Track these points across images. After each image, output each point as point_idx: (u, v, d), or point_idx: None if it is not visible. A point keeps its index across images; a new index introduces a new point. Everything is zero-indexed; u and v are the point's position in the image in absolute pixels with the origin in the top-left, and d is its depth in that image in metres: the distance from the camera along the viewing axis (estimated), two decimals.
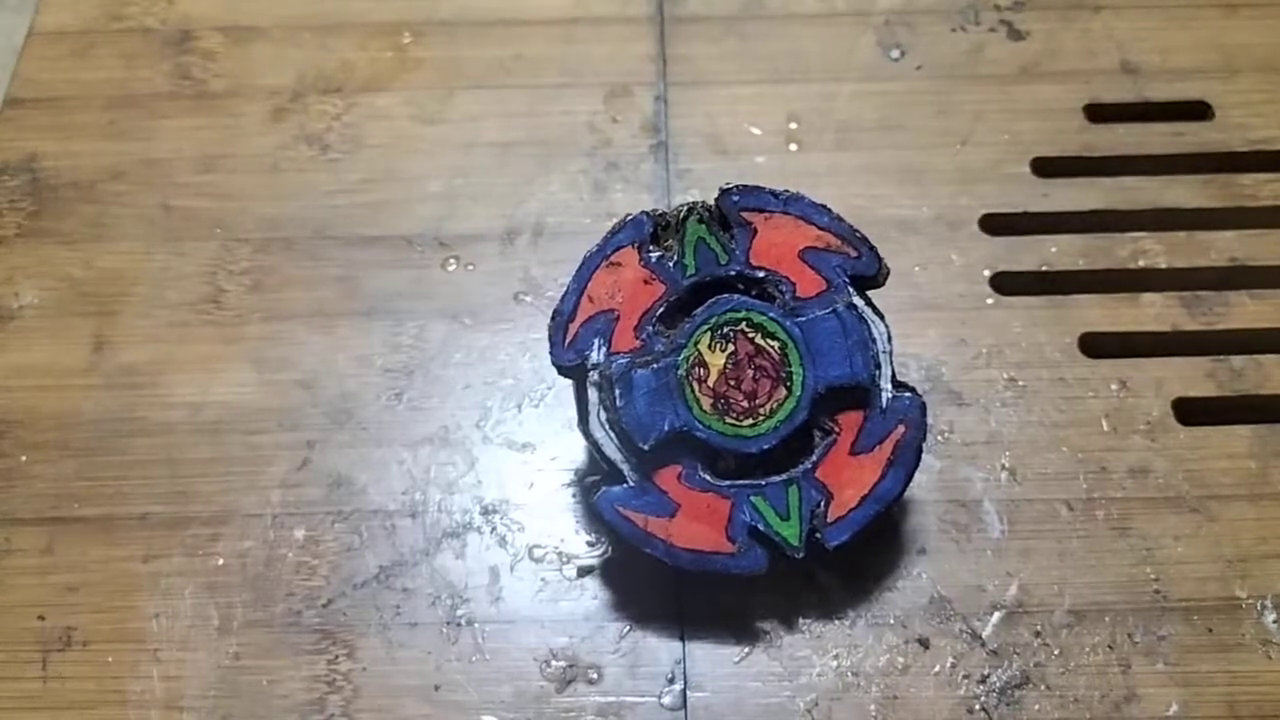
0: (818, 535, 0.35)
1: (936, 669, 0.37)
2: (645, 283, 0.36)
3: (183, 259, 0.45)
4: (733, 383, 0.35)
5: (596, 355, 0.36)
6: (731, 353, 0.36)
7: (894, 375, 0.36)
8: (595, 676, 0.37)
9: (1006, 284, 0.44)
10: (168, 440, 0.41)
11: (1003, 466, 0.40)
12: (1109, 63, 0.50)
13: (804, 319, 0.36)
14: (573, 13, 0.52)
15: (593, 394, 0.36)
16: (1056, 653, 0.37)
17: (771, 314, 0.36)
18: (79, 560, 0.39)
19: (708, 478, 0.36)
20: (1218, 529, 0.39)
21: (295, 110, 0.49)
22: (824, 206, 0.37)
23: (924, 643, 0.37)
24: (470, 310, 0.44)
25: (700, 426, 0.35)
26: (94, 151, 0.48)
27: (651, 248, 0.36)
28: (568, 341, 0.36)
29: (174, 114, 0.49)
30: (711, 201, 0.37)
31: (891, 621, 0.38)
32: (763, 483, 0.36)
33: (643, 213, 0.36)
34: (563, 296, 0.36)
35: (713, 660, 0.37)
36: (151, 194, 0.47)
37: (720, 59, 0.50)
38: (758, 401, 0.35)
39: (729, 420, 0.35)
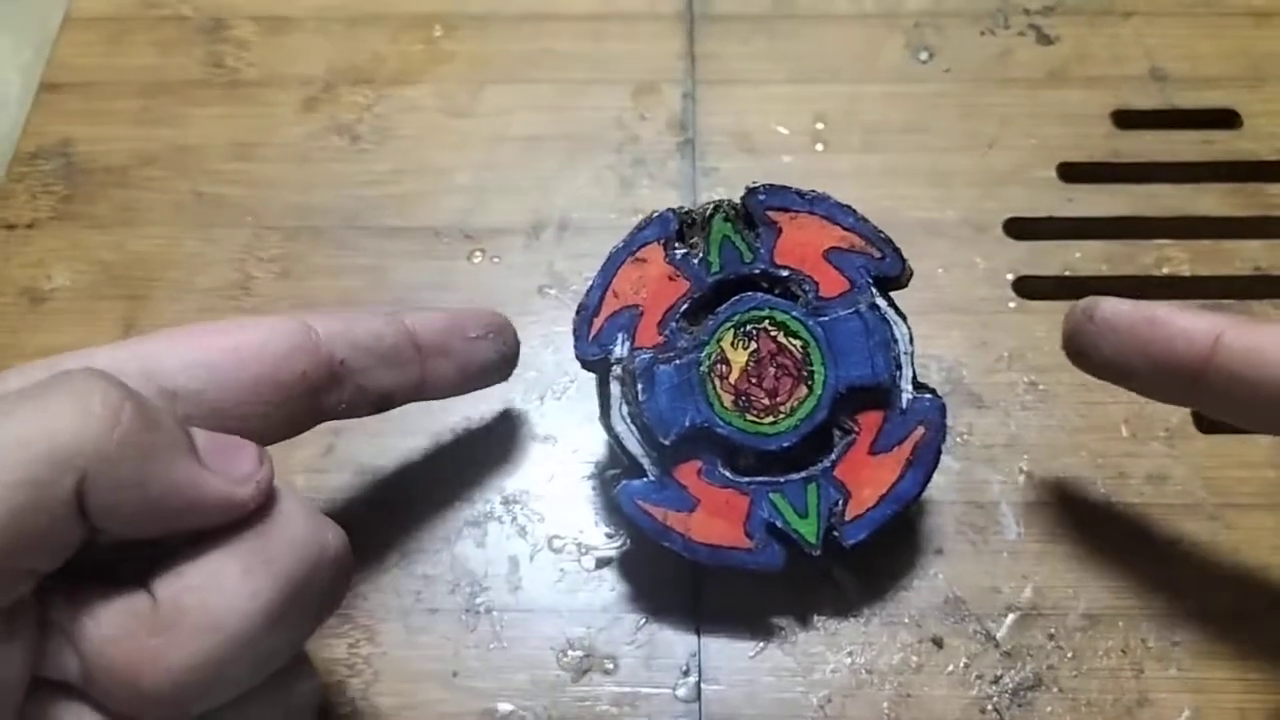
0: (835, 533, 0.36)
1: (950, 668, 0.37)
2: (670, 279, 0.36)
3: (213, 245, 0.46)
4: (754, 380, 0.36)
5: (620, 350, 0.36)
6: (754, 350, 0.36)
7: (915, 376, 0.36)
8: (611, 667, 0.37)
9: (1029, 288, 0.44)
10: None
11: (1021, 470, 0.41)
12: (1138, 69, 0.50)
13: (826, 319, 0.36)
14: (602, 9, 0.52)
15: (615, 388, 0.36)
16: (1070, 656, 0.37)
17: (794, 313, 0.36)
18: None
19: (727, 474, 0.36)
20: (1235, 537, 0.39)
21: (326, 100, 0.50)
22: (849, 207, 0.37)
23: (938, 642, 0.37)
24: (495, 302, 0.44)
25: (721, 423, 0.35)
26: (127, 137, 0.49)
27: (677, 244, 0.37)
28: (592, 335, 0.36)
29: (206, 102, 0.50)
30: (737, 200, 0.37)
31: (906, 620, 0.38)
32: (781, 480, 0.36)
33: (669, 210, 0.37)
34: (588, 291, 0.36)
35: (727, 654, 0.37)
36: (183, 180, 0.48)
37: (749, 58, 0.51)
38: (779, 399, 0.36)
39: (750, 417, 0.36)
